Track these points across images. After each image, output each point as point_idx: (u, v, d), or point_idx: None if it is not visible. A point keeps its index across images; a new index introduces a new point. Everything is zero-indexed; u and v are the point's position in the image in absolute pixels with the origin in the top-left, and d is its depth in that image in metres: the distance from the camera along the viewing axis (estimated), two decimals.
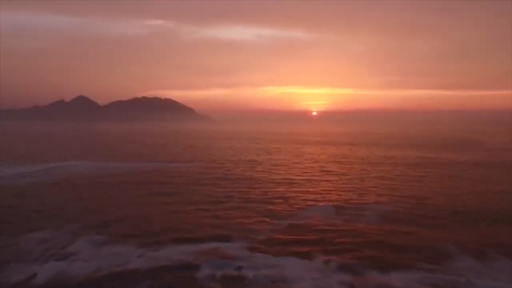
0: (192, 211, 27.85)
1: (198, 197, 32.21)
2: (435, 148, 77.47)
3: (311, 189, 35.66)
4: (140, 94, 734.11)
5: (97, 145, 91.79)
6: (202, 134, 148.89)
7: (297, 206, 29.15)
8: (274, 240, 21.24)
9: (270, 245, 20.54)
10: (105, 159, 58.91)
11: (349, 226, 24.04)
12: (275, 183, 38.93)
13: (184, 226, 23.91)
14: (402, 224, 24.33)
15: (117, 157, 62.76)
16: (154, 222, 24.71)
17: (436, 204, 29.70)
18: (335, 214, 27.00)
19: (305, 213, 27.14)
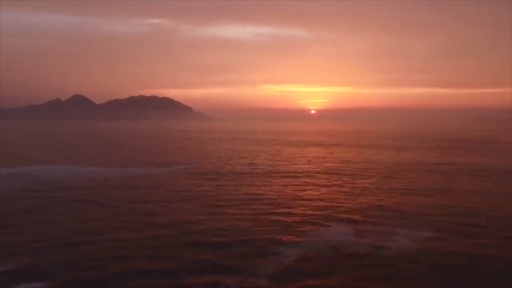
0: (171, 229, 22.46)
1: (183, 210, 26.62)
2: (450, 149, 71.20)
3: (320, 200, 29.97)
4: (137, 93, 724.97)
5: (86, 146, 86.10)
6: (200, 134, 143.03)
7: (305, 224, 23.62)
8: (277, 280, 15.56)
9: (273, 283, 15.08)
10: (88, 162, 53.12)
11: (376, 252, 18.56)
12: (277, 192, 33.19)
13: (158, 255, 18.50)
14: (448, 253, 18.67)
15: (102, 160, 57.03)
16: (121, 246, 19.43)
17: (486, 225, 23.52)
18: (354, 236, 21.45)
19: (316, 234, 21.70)
